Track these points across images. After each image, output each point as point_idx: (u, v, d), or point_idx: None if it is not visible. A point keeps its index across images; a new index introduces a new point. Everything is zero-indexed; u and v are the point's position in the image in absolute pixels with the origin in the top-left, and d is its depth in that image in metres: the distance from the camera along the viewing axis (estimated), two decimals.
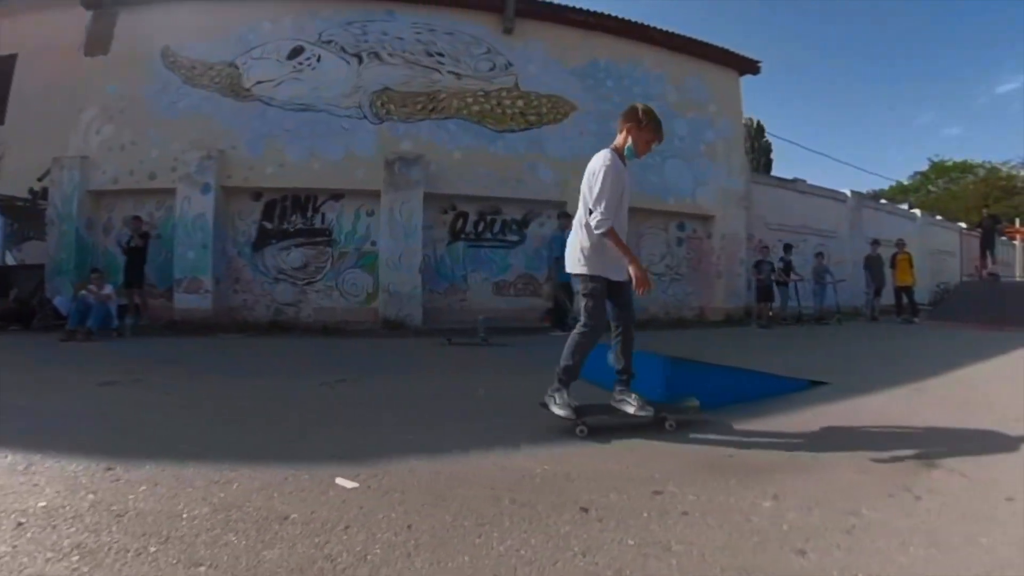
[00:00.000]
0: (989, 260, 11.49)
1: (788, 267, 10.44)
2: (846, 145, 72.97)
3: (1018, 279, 13.56)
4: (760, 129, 29.60)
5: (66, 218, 8.56)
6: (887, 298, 11.96)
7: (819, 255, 11.31)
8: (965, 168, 30.88)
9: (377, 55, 9.21)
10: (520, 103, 9.56)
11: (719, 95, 11.17)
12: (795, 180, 13.85)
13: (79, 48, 8.94)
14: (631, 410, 2.74)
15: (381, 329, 8.31)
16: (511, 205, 9.59)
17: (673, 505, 1.85)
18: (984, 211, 13.54)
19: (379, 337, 7.70)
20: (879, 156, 71.58)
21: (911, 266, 11.41)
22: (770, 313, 9.73)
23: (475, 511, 1.78)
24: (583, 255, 2.79)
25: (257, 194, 8.97)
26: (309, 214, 9.05)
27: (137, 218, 8.38)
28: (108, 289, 7.24)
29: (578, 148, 9.46)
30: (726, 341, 7.49)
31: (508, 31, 9.64)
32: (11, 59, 9.31)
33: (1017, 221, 16.92)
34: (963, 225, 17.98)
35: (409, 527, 1.65)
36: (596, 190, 2.68)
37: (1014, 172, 28.47)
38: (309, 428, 2.85)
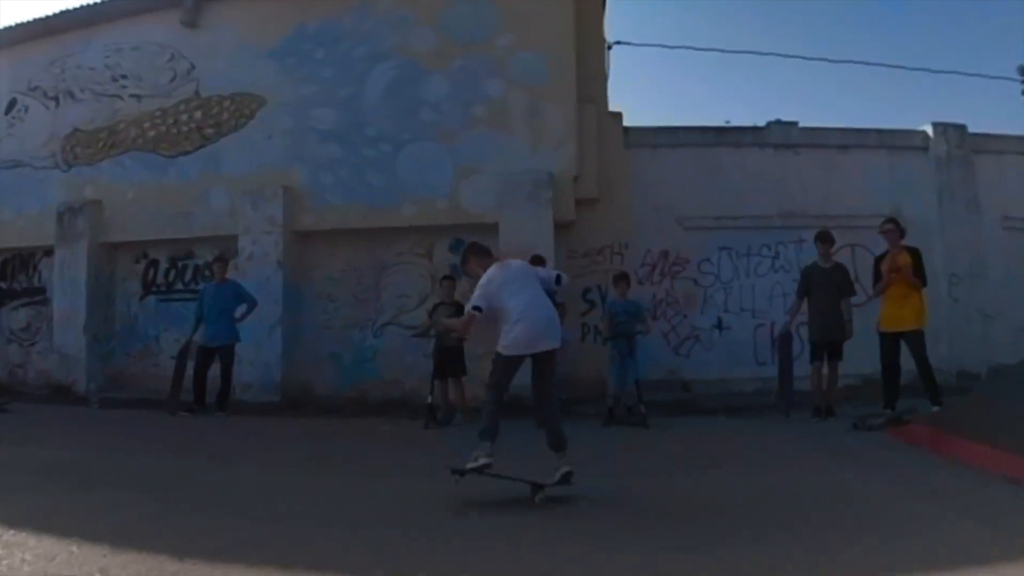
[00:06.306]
0: None
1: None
2: None
3: None
4: None
5: None
6: (859, 364, 5.65)
7: (622, 278, 5.88)
8: None
9: (71, 93, 8.26)
10: (198, 115, 7.57)
11: (523, 16, 6.90)
12: (769, 125, 7.63)
13: None
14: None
15: (48, 394, 7.47)
16: (203, 246, 7.67)
17: None
18: None
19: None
20: None
21: (923, 281, 4.95)
22: (428, 399, 5.45)
23: None
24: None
25: None
26: (30, 272, 8.64)
27: None
28: None
29: (262, 157, 7.22)
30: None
31: (190, 24, 7.69)
32: None
33: None
34: None
35: None
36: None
37: None
38: None
